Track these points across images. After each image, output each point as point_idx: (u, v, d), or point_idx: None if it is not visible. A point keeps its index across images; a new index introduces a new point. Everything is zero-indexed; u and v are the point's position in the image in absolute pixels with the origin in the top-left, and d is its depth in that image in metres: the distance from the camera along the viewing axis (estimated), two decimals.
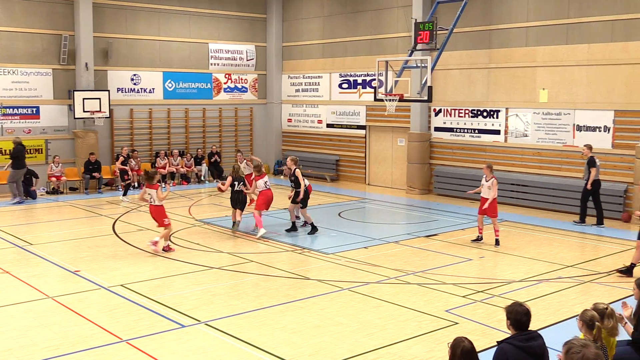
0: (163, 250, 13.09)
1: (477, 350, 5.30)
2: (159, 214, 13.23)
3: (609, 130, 17.05)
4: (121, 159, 20.91)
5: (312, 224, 14.97)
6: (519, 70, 18.81)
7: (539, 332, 5.77)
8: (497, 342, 5.58)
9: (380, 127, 22.94)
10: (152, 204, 13.22)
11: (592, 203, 16.05)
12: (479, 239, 14.02)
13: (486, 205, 13.72)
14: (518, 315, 5.52)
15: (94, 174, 21.04)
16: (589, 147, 16.06)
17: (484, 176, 13.92)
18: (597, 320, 5.91)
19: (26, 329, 8.79)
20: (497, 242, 13.75)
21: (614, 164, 16.97)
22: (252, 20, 25.78)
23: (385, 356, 7.93)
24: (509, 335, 5.55)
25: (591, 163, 15.77)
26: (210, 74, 24.91)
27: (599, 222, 15.93)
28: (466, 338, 5.21)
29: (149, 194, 13.19)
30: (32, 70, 21.03)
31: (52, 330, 8.74)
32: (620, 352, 6.46)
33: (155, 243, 13.00)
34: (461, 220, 16.65)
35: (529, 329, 5.59)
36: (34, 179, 19.94)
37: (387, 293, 10.47)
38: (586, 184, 15.79)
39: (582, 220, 16.10)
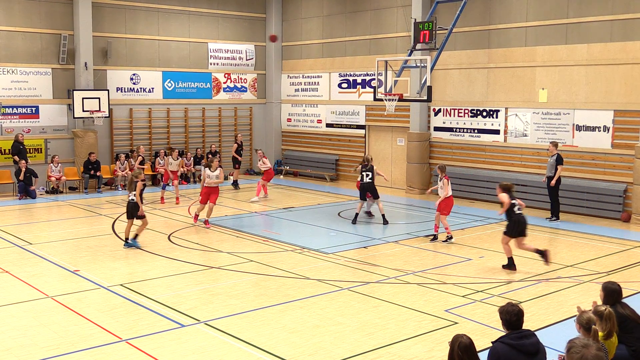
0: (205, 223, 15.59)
1: (477, 349, 5.31)
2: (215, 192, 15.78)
3: (608, 130, 17.06)
4: (139, 158, 21.01)
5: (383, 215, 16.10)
6: (519, 70, 18.82)
7: (534, 331, 5.79)
8: (492, 342, 5.62)
9: (380, 127, 22.94)
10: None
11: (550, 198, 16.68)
12: (435, 238, 14.38)
13: (437, 203, 14.32)
14: (508, 315, 5.63)
15: (92, 172, 21.03)
16: (555, 145, 16.46)
17: (438, 176, 14.54)
18: (594, 322, 5.93)
19: (26, 328, 8.79)
20: (448, 238, 14.17)
21: (613, 164, 16.98)
22: (251, 19, 25.78)
23: (384, 356, 7.94)
24: (502, 335, 5.60)
25: (559, 160, 16.17)
26: (209, 73, 24.90)
27: (555, 216, 16.58)
28: (465, 335, 5.27)
29: (208, 175, 15.63)
30: (31, 70, 21.02)
31: (52, 329, 8.73)
32: (618, 355, 6.50)
33: (201, 220, 15.67)
34: (461, 220, 16.65)
35: (524, 328, 5.63)
36: (33, 179, 19.93)
37: (386, 293, 10.47)
38: (551, 180, 16.19)
39: (557, 217, 16.56)
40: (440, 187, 14.19)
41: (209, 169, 15.67)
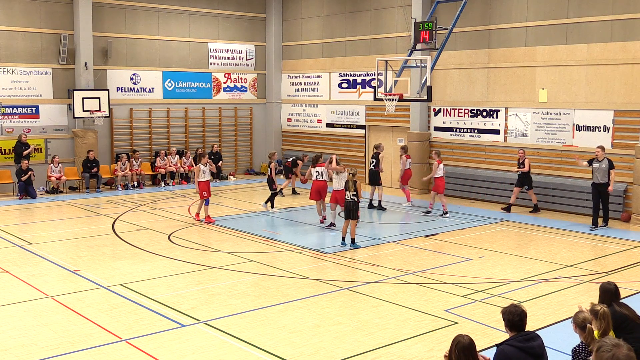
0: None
1: (477, 349, 5.31)
2: (324, 189, 16.00)
3: (608, 130, 17.05)
4: (274, 165, 17.74)
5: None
6: (519, 70, 18.82)
7: (537, 332, 5.79)
8: (497, 344, 5.60)
9: (380, 127, 22.94)
10: (320, 179, 15.96)
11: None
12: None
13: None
14: (511, 316, 5.61)
15: (92, 170, 21.02)
16: (602, 149, 15.58)
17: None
18: (589, 321, 5.93)
19: (26, 328, 8.79)
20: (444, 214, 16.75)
21: (613, 164, 16.94)
22: (251, 19, 25.78)
23: (384, 356, 7.94)
24: (507, 337, 5.58)
25: (612, 165, 15.37)
26: (209, 73, 24.91)
27: (605, 222, 15.83)
28: (467, 335, 5.25)
29: (317, 171, 15.92)
30: (31, 70, 21.02)
31: (52, 329, 8.74)
32: None
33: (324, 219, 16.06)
34: (461, 220, 16.65)
35: (527, 329, 5.62)
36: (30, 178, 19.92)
37: (386, 293, 10.48)
38: (607, 187, 15.30)
39: (597, 224, 15.65)
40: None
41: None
